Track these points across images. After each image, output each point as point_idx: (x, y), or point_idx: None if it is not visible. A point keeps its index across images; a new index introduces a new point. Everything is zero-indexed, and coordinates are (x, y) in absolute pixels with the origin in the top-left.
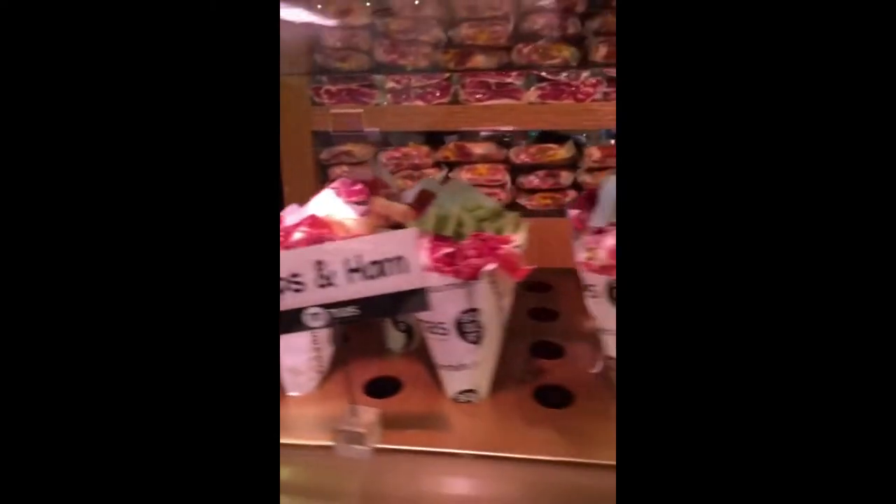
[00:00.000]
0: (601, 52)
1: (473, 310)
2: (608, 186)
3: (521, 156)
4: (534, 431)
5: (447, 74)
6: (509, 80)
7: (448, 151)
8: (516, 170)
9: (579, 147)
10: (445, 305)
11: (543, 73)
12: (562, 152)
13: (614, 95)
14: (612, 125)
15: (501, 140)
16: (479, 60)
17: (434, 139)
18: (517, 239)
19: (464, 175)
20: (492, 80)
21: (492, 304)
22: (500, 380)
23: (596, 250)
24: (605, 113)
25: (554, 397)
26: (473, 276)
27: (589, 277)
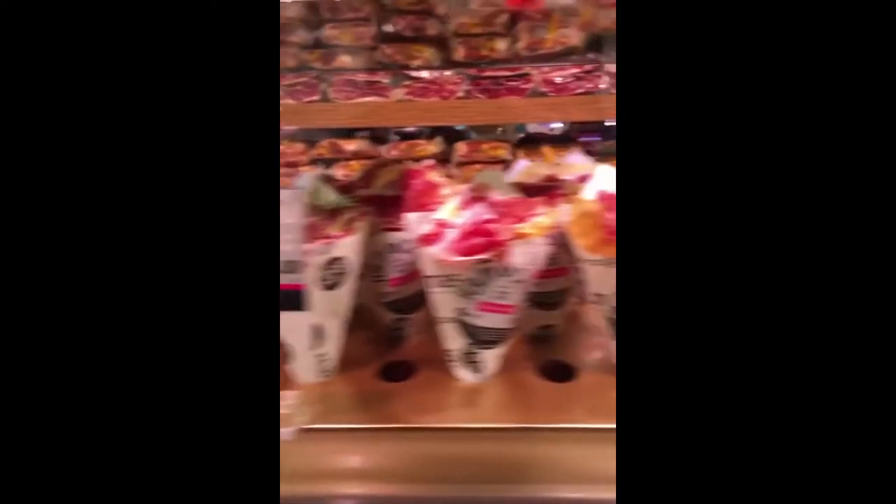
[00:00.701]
0: (461, 52)
1: None
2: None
3: (392, 152)
4: None
5: (315, 73)
6: (376, 78)
7: (322, 149)
8: None
9: (450, 142)
10: None
11: (411, 73)
12: (430, 148)
13: (476, 93)
14: (475, 121)
15: (373, 136)
16: (346, 61)
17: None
18: None
19: (338, 171)
20: (360, 79)
21: None
22: None
23: None
24: (467, 109)
25: None
26: None
27: None
